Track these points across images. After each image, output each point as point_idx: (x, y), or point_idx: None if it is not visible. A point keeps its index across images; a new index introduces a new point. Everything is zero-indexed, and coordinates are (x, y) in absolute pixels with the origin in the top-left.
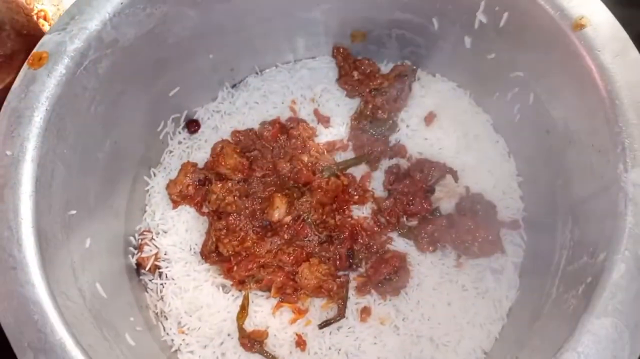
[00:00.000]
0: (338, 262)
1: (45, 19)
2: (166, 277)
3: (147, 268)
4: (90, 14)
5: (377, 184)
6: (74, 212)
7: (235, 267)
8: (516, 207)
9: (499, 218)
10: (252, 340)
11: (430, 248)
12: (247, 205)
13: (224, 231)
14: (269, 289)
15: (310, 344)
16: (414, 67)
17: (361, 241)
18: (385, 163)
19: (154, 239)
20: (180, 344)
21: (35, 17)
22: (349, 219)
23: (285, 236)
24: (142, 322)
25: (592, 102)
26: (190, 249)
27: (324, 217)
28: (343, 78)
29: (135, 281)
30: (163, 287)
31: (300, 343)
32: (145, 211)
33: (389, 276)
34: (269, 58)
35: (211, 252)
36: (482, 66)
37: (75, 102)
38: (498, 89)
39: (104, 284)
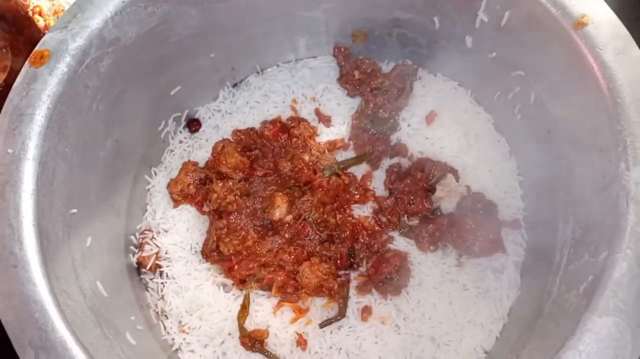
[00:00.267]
0: (339, 262)
1: (40, 14)
2: (167, 276)
3: (148, 267)
4: (91, 12)
5: (378, 183)
6: (75, 210)
7: (236, 267)
8: (517, 207)
9: (500, 217)
10: (252, 339)
11: (431, 247)
12: (248, 204)
13: (225, 230)
14: (269, 289)
15: (311, 343)
16: (415, 66)
17: (362, 240)
18: (386, 162)
19: (155, 238)
20: (181, 344)
21: (30, 13)
22: (350, 218)
23: (286, 235)
24: (142, 321)
25: (594, 100)
26: (191, 248)
27: (325, 216)
28: (344, 77)
29: (135, 280)
30: (164, 286)
31: (301, 342)
32: (146, 210)
33: (389, 275)
34: (270, 57)
35: (212, 252)
36: (483, 65)
37: (76, 101)
38: (499, 89)
39: (105, 282)
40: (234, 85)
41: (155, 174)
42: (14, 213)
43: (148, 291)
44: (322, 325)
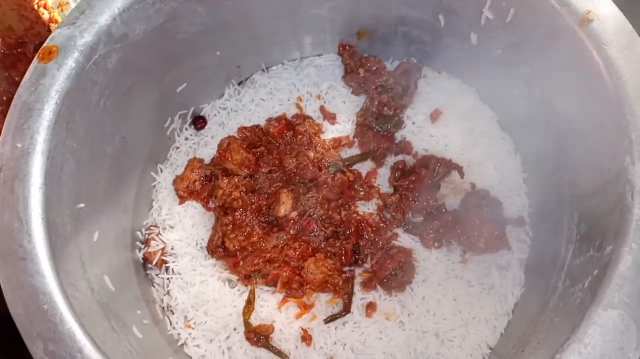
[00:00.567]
0: (344, 258)
1: (45, 7)
2: (172, 271)
3: (154, 263)
4: (100, 9)
5: (382, 180)
6: (82, 205)
7: (241, 262)
8: (522, 204)
9: (504, 215)
10: (257, 334)
11: (436, 244)
12: (253, 200)
13: (230, 226)
14: (274, 284)
15: (316, 338)
16: (420, 64)
17: (367, 237)
18: (391, 159)
19: (161, 234)
20: (187, 338)
21: (36, 7)
22: (355, 214)
23: (291, 231)
24: (149, 316)
25: (599, 96)
26: (197, 244)
27: (330, 213)
28: (349, 75)
29: (142, 275)
30: (169, 281)
31: (306, 338)
32: (152, 207)
33: (394, 271)
34: (275, 55)
35: (217, 247)
36: (489, 63)
37: (84, 96)
38: (504, 86)
39: (112, 277)
40: (240, 83)
41: (161, 170)
42: (22, 206)
43: (154, 286)
44: (327, 321)
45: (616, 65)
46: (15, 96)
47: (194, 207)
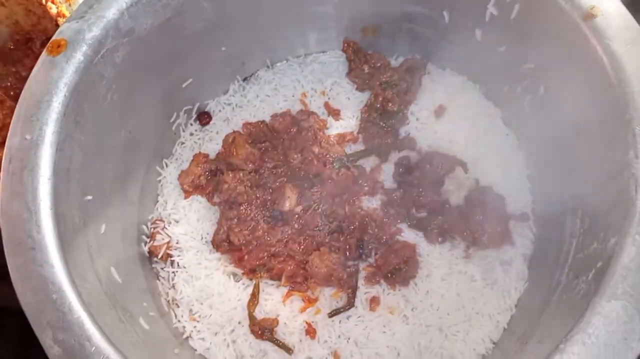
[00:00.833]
0: (348, 252)
1: (53, 2)
2: (178, 265)
3: (159, 256)
4: (107, 3)
5: (387, 176)
6: (90, 197)
7: (246, 256)
8: (525, 200)
9: (508, 210)
10: (262, 328)
11: (440, 239)
12: (258, 195)
13: (235, 220)
14: (279, 278)
15: (320, 332)
16: (424, 60)
17: (371, 232)
18: (395, 155)
19: (166, 228)
20: (192, 331)
21: (44, 1)
22: (359, 210)
23: (296, 226)
24: (154, 308)
25: (603, 91)
26: (202, 238)
27: (334, 207)
28: (353, 72)
29: (147, 268)
30: (175, 275)
31: (310, 331)
32: (157, 201)
33: (398, 266)
34: (280, 52)
35: (222, 242)
36: (493, 59)
37: (92, 90)
38: (508, 82)
39: (119, 269)
40: (244, 79)
41: (167, 165)
42: (31, 197)
43: (159, 279)
44: (331, 315)
45: (620, 60)
46: (24, 88)
47: (199, 202)
